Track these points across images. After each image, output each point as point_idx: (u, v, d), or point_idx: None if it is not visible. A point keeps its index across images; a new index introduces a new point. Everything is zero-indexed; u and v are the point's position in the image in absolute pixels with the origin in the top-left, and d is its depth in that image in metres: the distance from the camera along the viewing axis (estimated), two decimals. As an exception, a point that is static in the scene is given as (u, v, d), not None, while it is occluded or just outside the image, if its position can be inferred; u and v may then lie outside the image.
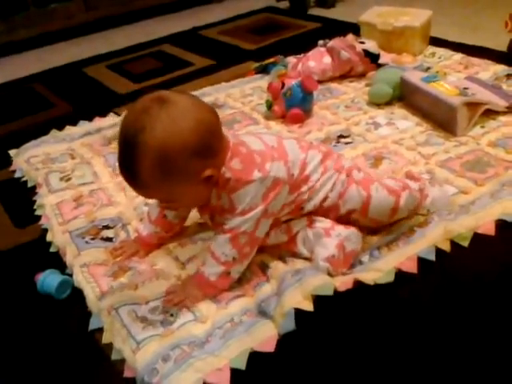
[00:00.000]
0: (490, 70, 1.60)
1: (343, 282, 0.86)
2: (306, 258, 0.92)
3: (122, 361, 0.80)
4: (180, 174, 0.80)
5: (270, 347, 0.78)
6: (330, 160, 0.95)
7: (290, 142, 0.94)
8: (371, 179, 0.96)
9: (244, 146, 0.87)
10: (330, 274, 0.88)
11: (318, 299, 0.83)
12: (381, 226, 0.98)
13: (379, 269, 0.89)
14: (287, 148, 0.91)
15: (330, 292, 0.84)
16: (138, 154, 0.77)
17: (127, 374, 0.78)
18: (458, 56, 1.73)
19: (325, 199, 0.93)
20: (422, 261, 0.91)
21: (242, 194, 0.83)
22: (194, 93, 1.68)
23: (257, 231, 0.86)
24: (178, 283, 0.92)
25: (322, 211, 0.94)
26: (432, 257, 0.92)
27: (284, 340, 0.80)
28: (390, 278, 0.88)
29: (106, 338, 0.84)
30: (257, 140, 0.90)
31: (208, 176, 0.82)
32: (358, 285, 0.87)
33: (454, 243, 0.95)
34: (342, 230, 0.91)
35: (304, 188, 0.91)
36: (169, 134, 0.76)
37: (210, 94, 1.68)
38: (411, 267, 0.90)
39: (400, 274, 0.89)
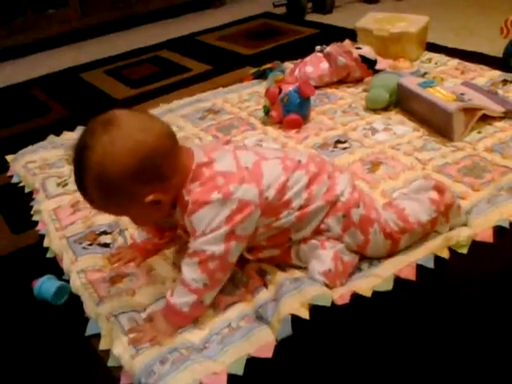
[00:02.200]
0: (486, 76, 1.60)
1: (341, 296, 0.85)
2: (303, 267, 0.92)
3: (118, 367, 0.79)
4: (121, 197, 0.80)
5: (267, 353, 0.78)
6: (318, 185, 0.89)
7: (270, 163, 0.88)
8: (371, 220, 0.90)
9: (208, 168, 0.83)
10: (327, 286, 0.87)
11: (314, 308, 0.83)
12: None
13: (378, 275, 0.89)
14: (264, 170, 0.86)
15: (328, 303, 0.84)
16: (82, 173, 0.80)
17: (124, 381, 0.77)
18: (455, 61, 1.73)
19: (318, 231, 0.90)
20: (420, 268, 0.91)
21: (199, 215, 0.80)
22: (192, 98, 1.70)
23: (228, 256, 0.82)
24: (143, 322, 0.85)
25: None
26: (431, 264, 0.91)
27: (281, 346, 0.79)
28: (389, 287, 0.88)
29: (103, 344, 0.84)
30: (230, 160, 0.86)
31: (155, 200, 0.80)
32: (356, 297, 0.86)
33: (452, 250, 0.95)
34: (336, 242, 0.90)
35: (284, 213, 0.86)
36: (106, 157, 0.76)
37: (208, 99, 1.68)
38: (410, 274, 0.90)
39: (398, 282, 0.89)
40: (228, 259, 0.82)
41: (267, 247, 0.91)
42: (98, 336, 0.85)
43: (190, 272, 0.81)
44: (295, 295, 0.84)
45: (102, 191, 0.79)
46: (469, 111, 1.29)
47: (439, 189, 0.98)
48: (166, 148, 0.81)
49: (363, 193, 0.96)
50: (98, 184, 0.78)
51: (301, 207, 0.87)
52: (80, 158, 0.79)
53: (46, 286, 0.93)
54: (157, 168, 0.79)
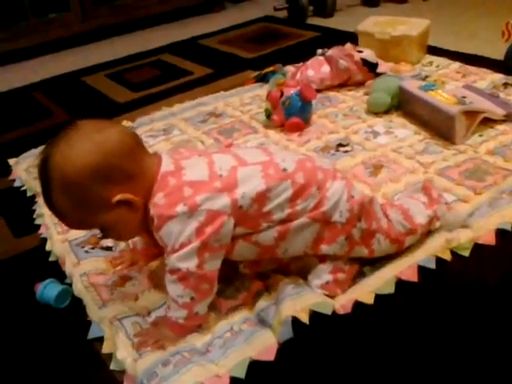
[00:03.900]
0: (487, 79, 1.61)
1: (343, 306, 0.85)
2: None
3: (121, 371, 0.79)
4: (87, 200, 0.78)
5: (269, 356, 0.78)
6: (305, 200, 0.82)
7: (249, 169, 0.82)
8: (372, 232, 0.87)
9: (175, 177, 0.80)
10: (328, 296, 0.86)
11: (315, 314, 0.82)
12: None
13: (379, 277, 0.89)
14: (240, 177, 0.80)
15: (329, 312, 0.83)
16: (47, 185, 0.78)
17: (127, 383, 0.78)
18: (456, 65, 1.74)
19: (318, 255, 0.87)
20: (422, 270, 0.91)
21: (167, 230, 0.77)
22: (193, 102, 1.70)
23: (205, 267, 0.78)
24: (148, 326, 0.86)
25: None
26: (432, 265, 0.92)
27: (283, 349, 0.79)
28: (391, 289, 0.88)
29: (106, 348, 0.84)
30: (203, 168, 0.81)
31: (125, 201, 0.78)
32: (358, 305, 0.85)
33: (454, 252, 0.95)
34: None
35: (263, 225, 0.81)
36: (65, 160, 0.76)
37: (209, 102, 1.68)
38: (411, 276, 0.90)
39: (400, 285, 0.88)
40: (206, 270, 0.79)
41: (263, 262, 0.90)
42: (100, 339, 0.85)
43: (174, 289, 0.79)
44: (297, 299, 0.83)
45: (68, 198, 0.77)
46: (470, 114, 1.29)
47: (426, 189, 1.01)
48: (126, 146, 0.79)
49: (362, 198, 0.87)
50: (62, 191, 0.77)
51: (282, 221, 0.82)
52: (42, 169, 0.78)
53: (48, 289, 0.93)
54: (119, 166, 0.77)
